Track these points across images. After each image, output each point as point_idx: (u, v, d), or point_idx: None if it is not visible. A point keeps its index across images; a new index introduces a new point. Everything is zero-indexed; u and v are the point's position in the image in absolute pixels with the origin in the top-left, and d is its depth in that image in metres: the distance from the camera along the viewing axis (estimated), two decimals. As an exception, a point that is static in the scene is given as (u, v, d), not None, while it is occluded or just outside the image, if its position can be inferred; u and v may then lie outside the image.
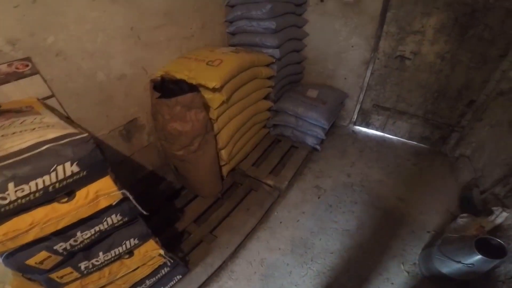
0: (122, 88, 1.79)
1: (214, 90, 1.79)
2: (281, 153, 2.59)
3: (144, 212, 1.12)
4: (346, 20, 2.44)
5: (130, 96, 1.86)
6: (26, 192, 0.79)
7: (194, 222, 1.99)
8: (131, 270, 1.35)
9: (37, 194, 0.81)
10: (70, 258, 1.09)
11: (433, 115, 2.59)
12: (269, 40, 2.22)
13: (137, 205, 1.07)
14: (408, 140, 2.87)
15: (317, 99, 2.58)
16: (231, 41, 2.49)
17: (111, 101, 1.76)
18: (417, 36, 2.25)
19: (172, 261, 1.48)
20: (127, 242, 1.21)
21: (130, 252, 1.28)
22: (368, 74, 2.65)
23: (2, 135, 0.87)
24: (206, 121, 1.68)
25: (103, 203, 0.98)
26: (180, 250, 1.80)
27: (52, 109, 1.32)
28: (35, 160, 0.77)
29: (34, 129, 0.84)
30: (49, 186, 0.81)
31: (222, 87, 1.80)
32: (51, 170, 0.78)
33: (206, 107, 1.76)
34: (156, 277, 1.55)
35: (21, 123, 0.90)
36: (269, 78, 2.40)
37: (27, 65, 1.28)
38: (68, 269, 1.10)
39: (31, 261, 0.95)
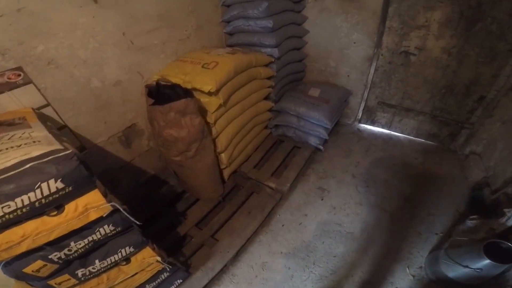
0: (119, 94, 1.78)
1: (210, 93, 1.76)
2: (283, 154, 2.55)
3: (137, 222, 1.12)
4: (346, 16, 2.36)
5: (128, 102, 1.85)
6: (13, 208, 0.81)
7: (195, 225, 2.00)
8: (129, 276, 1.36)
9: (24, 210, 0.83)
10: (66, 266, 1.11)
11: (441, 112, 2.49)
12: (267, 39, 2.17)
13: (129, 216, 1.06)
14: (416, 137, 2.78)
15: (320, 98, 2.52)
16: (229, 41, 2.45)
17: (108, 108, 1.76)
18: (421, 31, 2.16)
19: (171, 266, 1.48)
20: (123, 250, 1.21)
21: (127, 259, 1.29)
22: (372, 70, 2.57)
23: (-11, 153, 0.87)
24: (202, 126, 1.66)
25: (93, 215, 0.98)
26: (181, 254, 1.81)
27: (47, 119, 1.33)
28: (19, 178, 0.79)
29: (20, 145, 0.86)
30: (35, 202, 0.83)
31: (218, 90, 1.76)
32: (36, 187, 0.80)
33: (202, 111, 1.74)
34: (156, 282, 1.56)
35: (9, 138, 0.91)
36: (269, 78, 2.35)
37: (19, 75, 1.28)
38: (66, 276, 1.12)
39: (28, 269, 0.98)
